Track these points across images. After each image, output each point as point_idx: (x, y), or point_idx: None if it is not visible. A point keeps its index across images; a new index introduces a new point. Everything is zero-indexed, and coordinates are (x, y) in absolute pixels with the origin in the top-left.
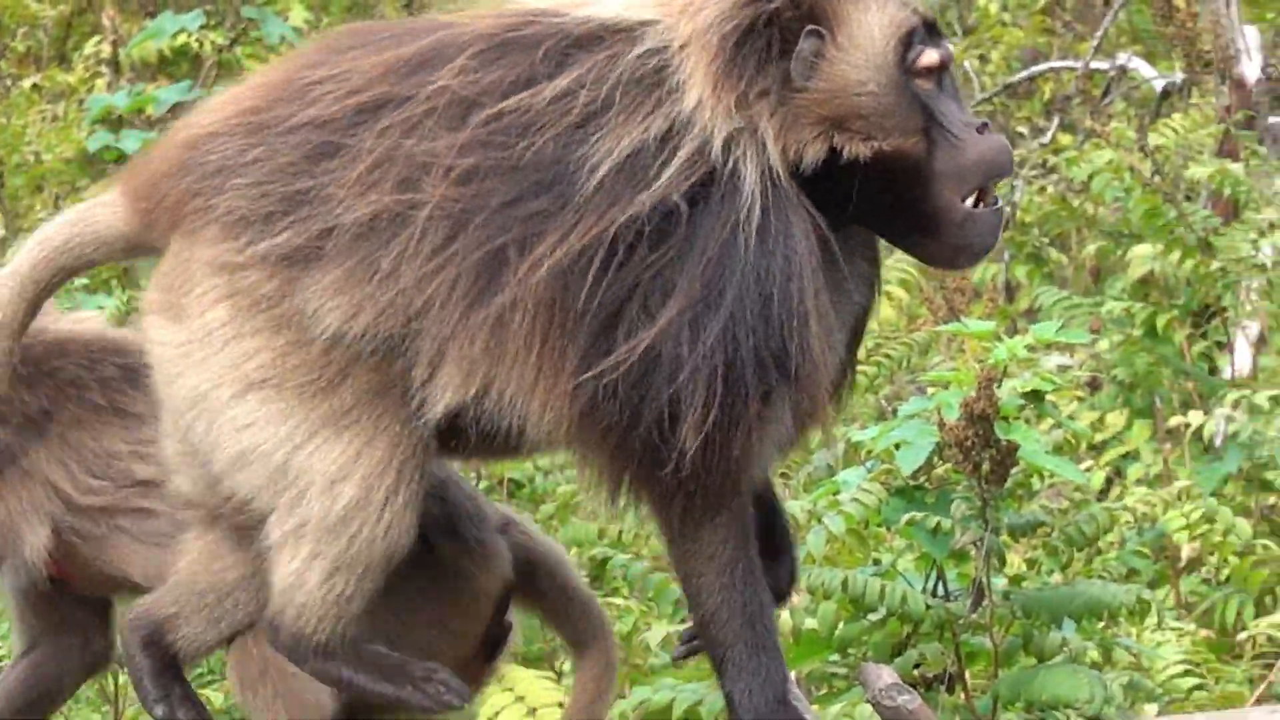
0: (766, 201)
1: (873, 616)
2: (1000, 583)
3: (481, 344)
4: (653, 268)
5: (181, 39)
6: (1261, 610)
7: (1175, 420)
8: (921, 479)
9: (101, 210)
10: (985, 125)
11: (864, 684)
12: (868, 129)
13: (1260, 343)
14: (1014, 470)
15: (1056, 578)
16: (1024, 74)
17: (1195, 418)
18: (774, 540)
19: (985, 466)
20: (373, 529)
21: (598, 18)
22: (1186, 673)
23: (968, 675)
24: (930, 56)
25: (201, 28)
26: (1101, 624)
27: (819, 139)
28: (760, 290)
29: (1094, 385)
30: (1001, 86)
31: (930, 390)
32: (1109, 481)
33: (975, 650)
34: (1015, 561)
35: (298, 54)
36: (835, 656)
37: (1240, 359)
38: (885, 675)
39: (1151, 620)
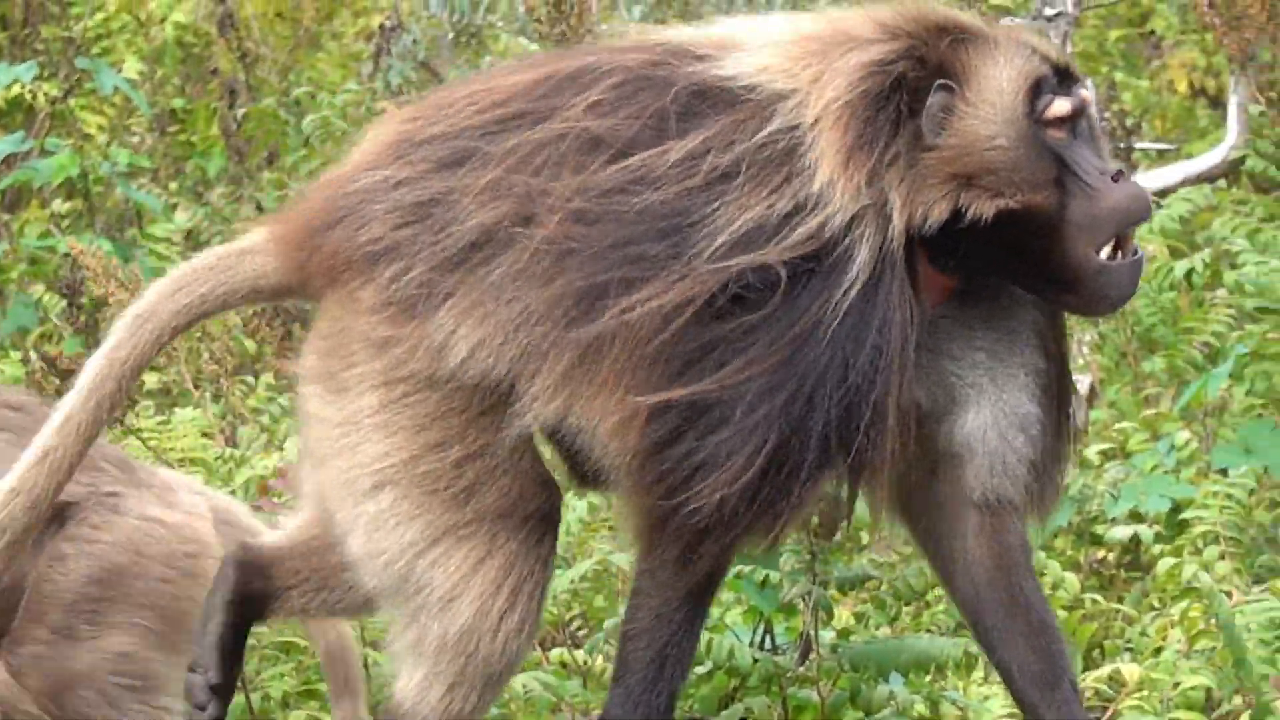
0: (872, 280)
1: (700, 669)
2: (828, 636)
3: (569, 364)
4: (741, 326)
5: (15, 90)
6: (1090, 664)
7: None
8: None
9: (251, 258)
10: (1120, 173)
11: None
12: (997, 184)
13: (1091, 395)
14: (842, 524)
15: (884, 631)
16: None
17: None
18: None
19: (814, 521)
20: (490, 649)
21: (731, 75)
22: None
23: None
24: (1060, 107)
25: (35, 79)
26: (929, 677)
27: (945, 198)
28: (842, 375)
29: None
30: None
31: None
32: None
33: (803, 703)
34: (843, 615)
35: (460, 80)
36: None
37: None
38: None
39: (979, 673)
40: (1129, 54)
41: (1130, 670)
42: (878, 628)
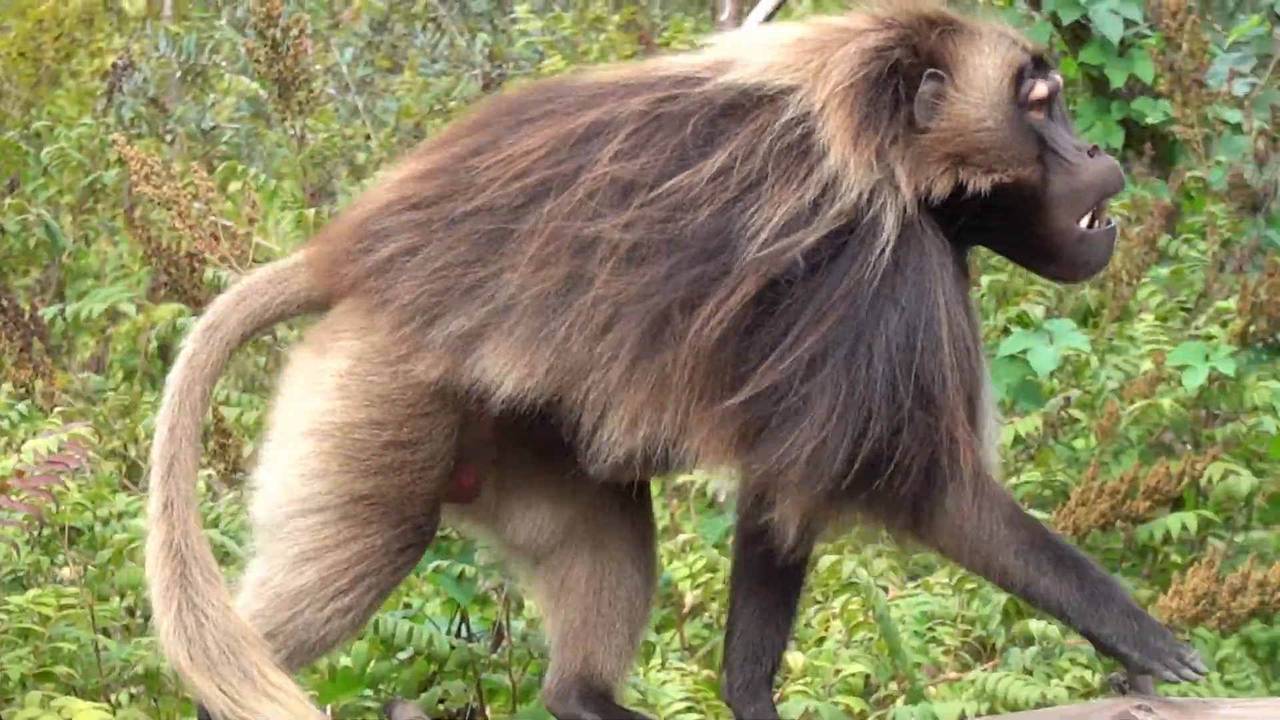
0: (903, 239)
1: (402, 655)
2: (519, 626)
3: (645, 395)
4: (795, 310)
5: None
6: None
7: (682, 479)
8: (449, 531)
9: (297, 274)
10: (1095, 149)
11: (390, 717)
12: (988, 162)
13: None
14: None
15: None
16: None
17: (699, 477)
18: (788, 604)
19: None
20: (311, 616)
21: (739, 84)
22: (689, 709)
23: (488, 710)
24: (1040, 89)
25: None
26: None
27: (945, 175)
28: (896, 320)
29: None
30: None
31: None
32: None
33: (495, 687)
34: (532, 606)
35: (458, 131)
36: (369, 692)
37: None
38: (410, 710)
39: (656, 660)
40: None
41: (796, 658)
42: None
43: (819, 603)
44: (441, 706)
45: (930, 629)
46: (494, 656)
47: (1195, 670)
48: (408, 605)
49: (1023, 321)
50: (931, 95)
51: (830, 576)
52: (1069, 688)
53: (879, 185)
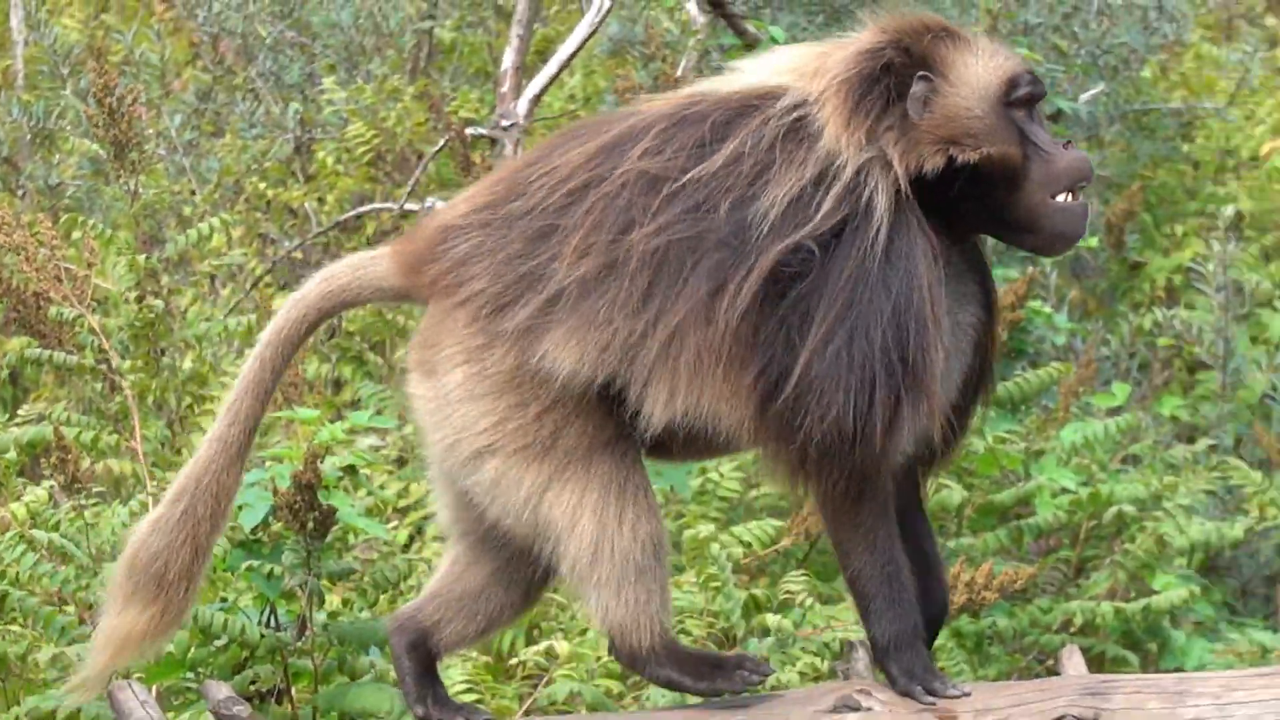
0: (893, 225)
1: (218, 642)
2: (321, 617)
3: (681, 370)
4: (806, 290)
5: None
6: (531, 640)
7: None
8: (260, 534)
9: (377, 264)
10: (1069, 143)
11: (206, 697)
12: (976, 141)
13: None
14: (334, 528)
15: (366, 613)
16: (352, 213)
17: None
18: (926, 562)
19: (310, 525)
20: (626, 544)
21: (744, 89)
22: (469, 690)
23: (294, 691)
24: (1026, 91)
25: None
26: None
27: (937, 153)
28: (887, 301)
29: (401, 461)
30: (334, 223)
31: (268, 464)
32: (411, 538)
33: (300, 670)
34: (333, 600)
35: (525, 154)
36: (189, 674)
37: None
38: (224, 690)
39: None
40: None
41: (563, 646)
42: (361, 610)
43: None
44: (253, 687)
45: (680, 621)
46: (299, 644)
47: (939, 693)
48: (224, 599)
49: None
50: (922, 94)
51: None
52: (800, 673)
53: (870, 163)
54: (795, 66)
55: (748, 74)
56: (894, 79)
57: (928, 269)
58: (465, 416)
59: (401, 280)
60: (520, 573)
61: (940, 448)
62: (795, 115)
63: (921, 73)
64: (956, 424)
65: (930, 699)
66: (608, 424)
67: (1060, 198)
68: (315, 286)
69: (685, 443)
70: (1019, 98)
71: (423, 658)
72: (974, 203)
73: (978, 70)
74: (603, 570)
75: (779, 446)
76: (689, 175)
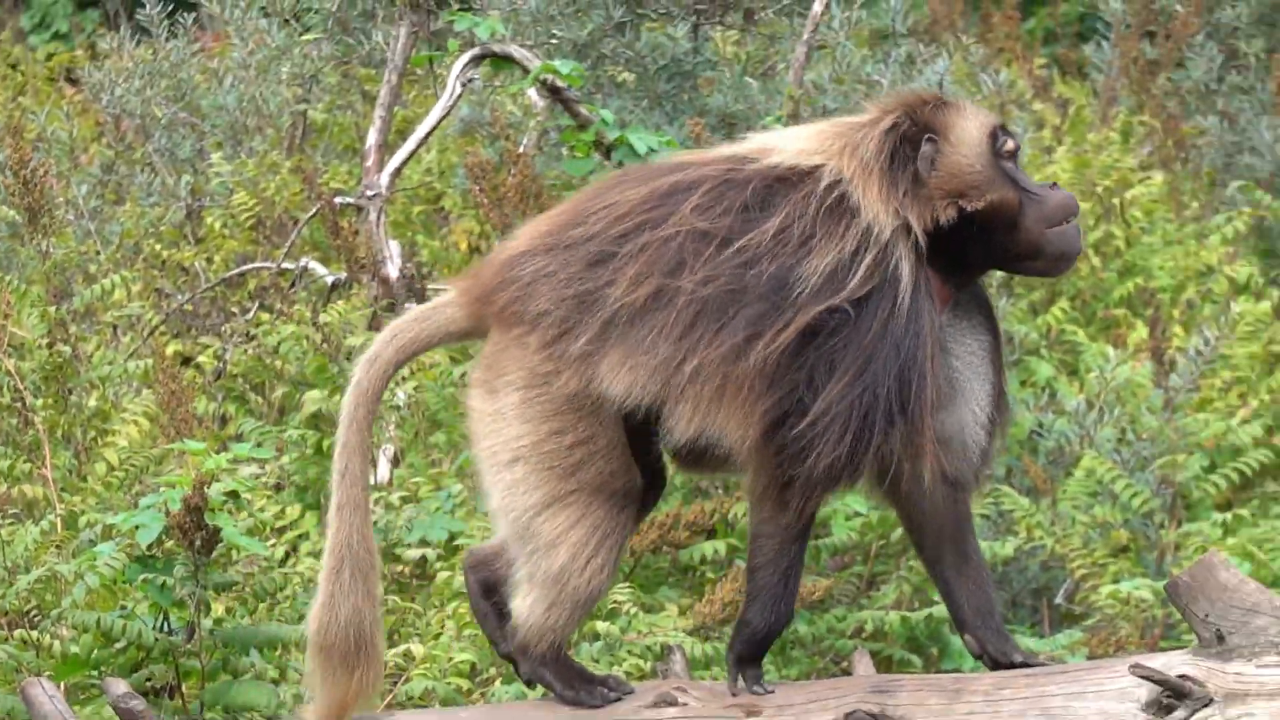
0: (914, 291)
1: (118, 645)
2: (208, 623)
3: (707, 396)
4: (833, 344)
5: None
6: (391, 644)
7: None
8: (155, 550)
9: (442, 312)
10: (1055, 185)
11: (107, 692)
12: (980, 194)
13: (395, 459)
14: (218, 546)
15: (247, 620)
16: (236, 271)
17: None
18: (982, 577)
19: (198, 543)
20: (579, 583)
21: (784, 164)
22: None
23: (184, 687)
24: (1010, 143)
25: None
26: (278, 652)
27: (949, 206)
28: (896, 360)
29: (279, 488)
30: (221, 279)
31: (162, 489)
32: (287, 554)
33: (189, 669)
34: (218, 609)
35: (586, 190)
36: (93, 672)
37: (382, 472)
38: (123, 686)
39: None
40: (427, 223)
41: (419, 649)
42: (243, 618)
43: (436, 606)
44: (148, 684)
45: None
46: (188, 646)
47: (751, 690)
48: (123, 607)
49: None
50: (930, 155)
51: (445, 587)
52: (626, 672)
53: (897, 231)
54: (822, 147)
55: (768, 147)
56: (908, 145)
57: (931, 327)
58: (513, 431)
59: (469, 318)
60: None
61: (979, 462)
62: (836, 193)
63: (928, 135)
64: (990, 434)
65: (741, 688)
66: (621, 478)
67: (1054, 229)
68: (387, 345)
69: (689, 456)
70: (1005, 150)
71: (498, 603)
72: (980, 244)
73: (970, 129)
74: (550, 589)
75: (774, 464)
76: (741, 238)
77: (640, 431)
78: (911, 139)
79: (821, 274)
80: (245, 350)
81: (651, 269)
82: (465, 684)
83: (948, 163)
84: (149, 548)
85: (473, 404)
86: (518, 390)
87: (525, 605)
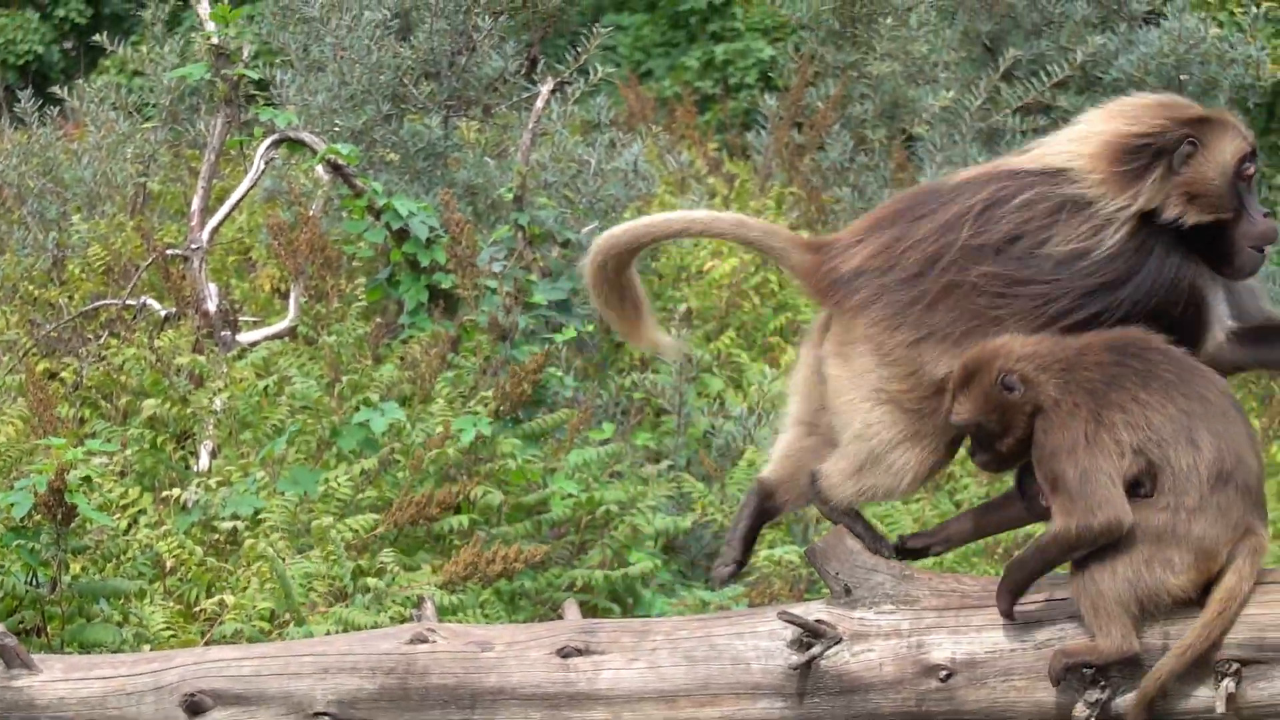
0: (1160, 244)
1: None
2: (67, 579)
3: None
4: (1088, 306)
5: None
6: (209, 593)
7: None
8: (26, 522)
9: (790, 251)
10: (1270, 213)
11: None
12: (1210, 205)
13: (214, 454)
14: (75, 518)
15: (98, 576)
16: (91, 306)
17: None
18: None
19: (59, 517)
20: (891, 483)
21: (1035, 168)
22: (166, 628)
23: (49, 628)
24: (1251, 169)
25: None
26: (122, 601)
27: (1177, 205)
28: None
29: (123, 474)
30: (80, 312)
31: (32, 474)
32: (129, 526)
33: (53, 614)
34: (75, 568)
35: (882, 212)
36: None
37: (203, 461)
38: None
39: (159, 598)
40: (239, 269)
41: (230, 599)
42: (93, 575)
43: (244, 566)
44: (20, 626)
45: (309, 582)
46: (52, 596)
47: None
48: (1, 566)
49: (366, 403)
50: (1185, 154)
51: (251, 551)
52: (390, 617)
53: (1133, 214)
54: (1084, 152)
55: (1042, 152)
56: (1169, 143)
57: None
58: (875, 380)
59: (801, 273)
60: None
61: None
62: (1071, 191)
63: (1190, 138)
64: None
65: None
66: (951, 430)
67: (1253, 248)
68: (755, 223)
69: None
70: (1246, 174)
71: (755, 529)
72: (1195, 243)
73: (1225, 147)
74: (865, 475)
75: None
76: (1011, 250)
77: None
78: (1171, 142)
79: (1063, 256)
80: (98, 367)
81: (951, 284)
82: (266, 626)
83: (1196, 167)
84: (22, 520)
85: (830, 370)
86: (869, 357)
87: (836, 470)
